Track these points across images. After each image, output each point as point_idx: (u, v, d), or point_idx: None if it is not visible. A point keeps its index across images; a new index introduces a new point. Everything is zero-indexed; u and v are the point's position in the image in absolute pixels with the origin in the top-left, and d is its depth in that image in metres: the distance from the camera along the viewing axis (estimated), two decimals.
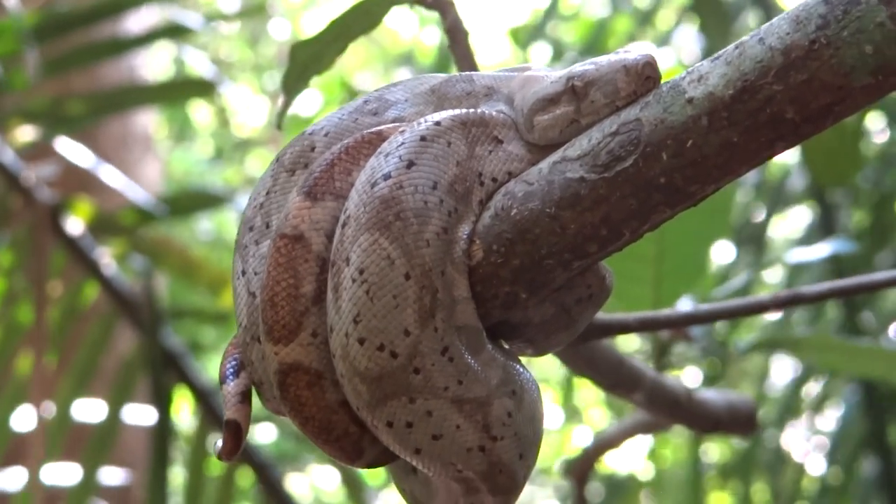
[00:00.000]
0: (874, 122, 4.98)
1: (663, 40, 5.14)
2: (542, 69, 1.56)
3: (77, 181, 4.55)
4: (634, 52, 1.44)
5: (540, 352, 1.57)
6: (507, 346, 1.53)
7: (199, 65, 4.11)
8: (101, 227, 4.12)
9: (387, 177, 1.40)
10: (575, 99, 1.44)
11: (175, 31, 3.93)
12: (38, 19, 3.95)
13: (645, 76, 1.41)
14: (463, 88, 1.57)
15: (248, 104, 11.29)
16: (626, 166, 1.38)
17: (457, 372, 1.40)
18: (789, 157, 5.16)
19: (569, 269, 1.43)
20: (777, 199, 4.90)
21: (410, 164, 1.41)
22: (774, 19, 1.36)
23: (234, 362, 1.55)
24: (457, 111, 1.48)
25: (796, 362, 4.79)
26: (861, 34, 1.29)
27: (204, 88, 4.15)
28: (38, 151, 4.28)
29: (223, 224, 8.54)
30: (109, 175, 4.26)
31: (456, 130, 1.46)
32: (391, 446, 1.44)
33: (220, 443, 1.51)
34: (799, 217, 5.18)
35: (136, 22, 5.04)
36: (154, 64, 5.99)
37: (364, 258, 1.38)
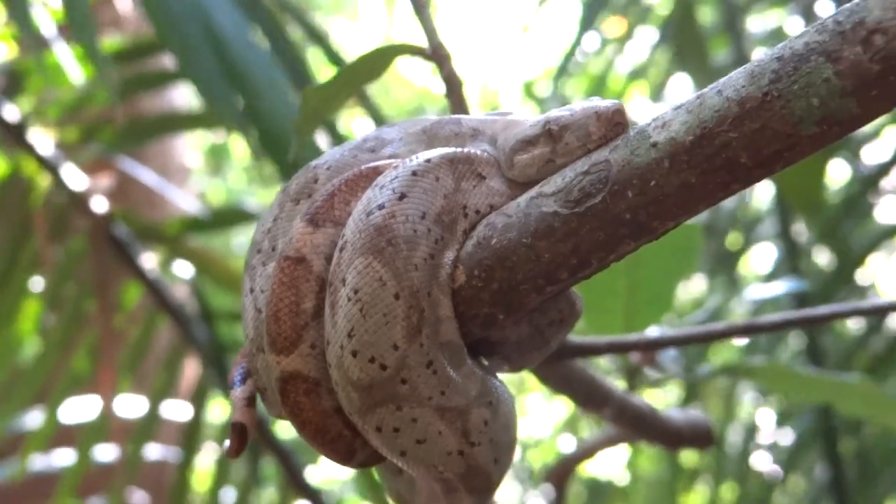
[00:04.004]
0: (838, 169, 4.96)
1: (657, 94, 5.11)
2: (523, 114, 1.53)
3: (123, 196, 4.57)
4: (606, 100, 1.40)
5: (516, 368, 1.54)
6: (485, 362, 1.49)
7: None
8: (147, 235, 4.13)
9: (381, 207, 1.37)
10: (551, 141, 1.40)
11: None
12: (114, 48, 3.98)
13: (615, 122, 1.37)
14: (452, 129, 1.53)
15: None
16: (596, 202, 1.34)
17: (440, 383, 1.37)
18: (763, 198, 5.15)
19: (542, 294, 1.39)
20: (749, 236, 4.88)
21: (402, 196, 1.38)
22: (732, 73, 1.32)
23: (241, 370, 1.53)
24: (445, 149, 1.45)
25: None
26: (809, 88, 1.26)
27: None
28: (94, 166, 4.30)
29: None
30: (160, 186, 4.27)
31: (444, 167, 1.42)
32: (380, 449, 1.41)
33: (227, 442, 1.48)
34: (768, 251, 5.15)
35: (169, 60, 5.05)
36: (190, 98, 5.97)
37: (359, 279, 1.35)
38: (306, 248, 1.43)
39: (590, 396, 1.85)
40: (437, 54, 1.68)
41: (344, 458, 1.46)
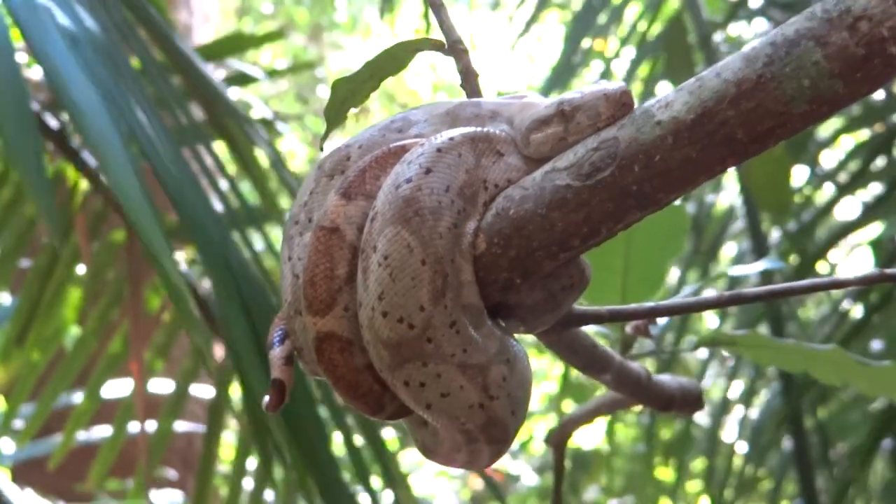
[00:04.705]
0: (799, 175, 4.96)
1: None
2: (537, 96, 1.51)
3: (155, 198, 4.56)
4: (613, 82, 1.39)
5: (530, 329, 1.51)
6: (503, 324, 1.46)
7: (258, 109, 4.07)
8: (175, 234, 4.13)
9: (408, 180, 1.35)
10: (564, 121, 1.38)
11: (240, 80, 3.89)
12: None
13: (622, 103, 1.35)
14: (472, 111, 1.51)
15: (295, 151, 11.23)
16: (605, 176, 1.32)
17: (462, 342, 1.35)
18: (733, 199, 5.15)
19: (555, 260, 1.38)
20: (721, 234, 4.88)
21: (428, 171, 1.36)
22: (729, 57, 1.31)
23: (280, 332, 1.50)
24: (467, 129, 1.42)
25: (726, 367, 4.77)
26: (800, 70, 1.24)
27: (265, 127, 4.12)
28: None
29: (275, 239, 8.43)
30: None
31: (466, 144, 1.40)
32: (407, 402, 1.39)
33: (267, 398, 1.46)
34: (739, 246, 5.15)
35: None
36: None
37: (388, 246, 1.33)
38: (340, 219, 1.40)
39: (592, 362, 1.83)
40: (454, 48, 1.65)
41: (374, 410, 1.43)
